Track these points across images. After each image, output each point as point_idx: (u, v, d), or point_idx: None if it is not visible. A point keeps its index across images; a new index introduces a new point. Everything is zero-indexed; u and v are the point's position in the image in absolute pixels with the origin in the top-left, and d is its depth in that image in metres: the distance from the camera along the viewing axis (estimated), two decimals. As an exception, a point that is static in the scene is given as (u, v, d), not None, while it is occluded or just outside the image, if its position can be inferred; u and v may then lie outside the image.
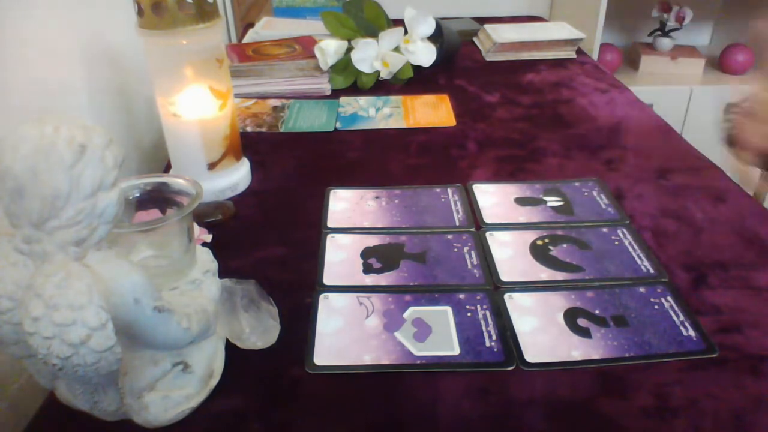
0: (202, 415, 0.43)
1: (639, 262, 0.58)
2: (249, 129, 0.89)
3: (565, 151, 0.82)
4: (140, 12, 0.60)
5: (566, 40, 1.21)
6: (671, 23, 1.86)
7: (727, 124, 0.84)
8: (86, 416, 0.42)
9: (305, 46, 1.08)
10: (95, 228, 0.34)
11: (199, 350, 0.43)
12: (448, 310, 0.53)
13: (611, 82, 1.07)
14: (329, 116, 0.93)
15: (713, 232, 0.63)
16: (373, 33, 1.05)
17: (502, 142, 0.85)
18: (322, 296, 0.55)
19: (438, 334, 0.50)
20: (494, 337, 0.50)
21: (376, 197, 0.70)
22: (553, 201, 0.69)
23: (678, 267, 0.58)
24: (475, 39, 1.33)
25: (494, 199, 0.70)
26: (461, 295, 0.54)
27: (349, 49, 1.04)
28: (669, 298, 0.54)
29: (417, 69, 1.06)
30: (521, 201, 0.69)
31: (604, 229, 0.64)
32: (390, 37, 1.03)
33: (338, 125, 0.90)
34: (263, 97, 1.01)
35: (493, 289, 0.55)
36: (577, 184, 0.73)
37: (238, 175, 0.72)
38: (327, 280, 0.57)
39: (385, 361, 0.48)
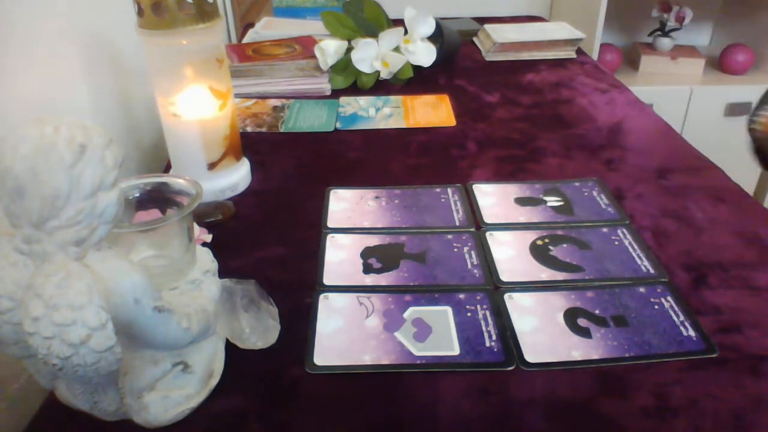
0: (202, 415, 0.43)
1: (639, 262, 0.58)
2: (249, 129, 0.89)
3: (565, 151, 0.82)
4: (140, 12, 0.60)
5: (566, 40, 1.21)
6: (671, 23, 1.86)
7: (756, 132, 0.83)
8: (86, 416, 0.42)
9: (305, 46, 1.08)
10: (95, 228, 0.34)
11: (199, 350, 0.43)
12: (448, 310, 0.53)
13: (611, 82, 1.07)
14: (329, 116, 0.93)
15: (713, 232, 0.63)
16: (373, 33, 1.06)
17: (502, 142, 0.85)
18: (322, 296, 0.55)
19: (438, 334, 0.50)
20: (494, 337, 0.50)
21: (376, 197, 0.70)
22: (553, 201, 0.69)
23: (678, 267, 0.58)
24: (475, 39, 1.33)
25: (494, 199, 0.70)
26: (461, 295, 0.54)
27: (349, 49, 1.04)
28: (669, 298, 0.54)
29: (417, 69, 1.06)
30: (521, 201, 0.69)
31: (604, 229, 0.64)
32: (390, 37, 1.03)
33: (338, 125, 0.90)
34: (263, 97, 1.01)
35: (493, 289, 0.55)
36: (577, 184, 0.73)
37: (238, 175, 0.72)
38: (327, 280, 0.57)
39: (385, 361, 0.48)
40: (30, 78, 0.59)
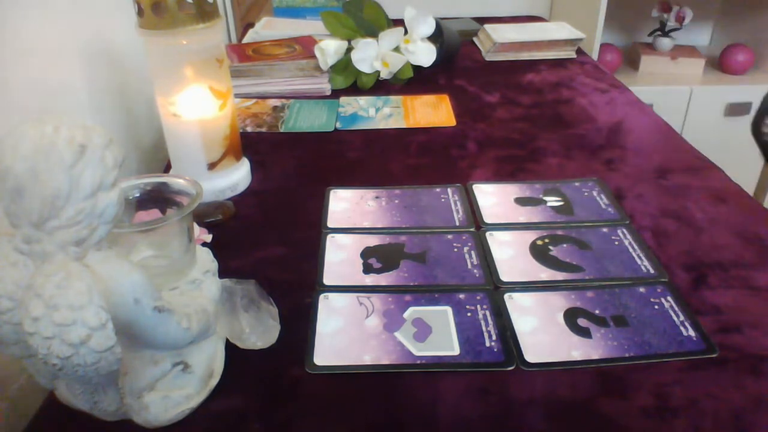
0: (202, 415, 0.43)
1: (639, 262, 0.58)
2: (249, 129, 0.89)
3: (565, 151, 0.82)
4: (140, 12, 0.60)
5: (566, 40, 1.21)
6: (671, 23, 1.86)
7: (765, 136, 0.83)
8: (86, 416, 0.42)
9: (305, 46, 1.08)
10: (95, 228, 0.34)
11: (199, 350, 0.43)
12: (448, 310, 0.53)
13: (611, 82, 1.07)
14: (329, 116, 0.93)
15: (713, 232, 0.63)
16: (373, 33, 1.06)
17: (502, 142, 0.85)
18: (322, 296, 0.55)
19: (438, 334, 0.50)
20: (494, 337, 0.50)
21: (376, 197, 0.70)
22: (553, 201, 0.69)
23: (678, 267, 0.58)
24: (475, 39, 1.33)
25: (494, 199, 0.70)
26: (461, 295, 0.54)
27: (349, 49, 1.04)
28: (669, 298, 0.54)
29: (417, 69, 1.06)
30: (521, 201, 0.69)
31: (604, 229, 0.64)
32: (390, 37, 1.03)
33: (338, 125, 0.90)
34: (263, 97, 1.01)
35: (493, 289, 0.55)
36: (577, 184, 0.73)
37: (238, 175, 0.72)
38: (327, 280, 0.57)
39: (385, 361, 0.48)
40: (30, 78, 0.59)
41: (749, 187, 0.87)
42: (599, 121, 0.91)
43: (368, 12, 1.09)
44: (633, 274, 0.57)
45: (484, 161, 0.79)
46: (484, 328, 0.51)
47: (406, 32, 1.05)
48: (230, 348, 0.47)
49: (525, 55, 1.21)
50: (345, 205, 0.69)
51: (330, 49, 1.02)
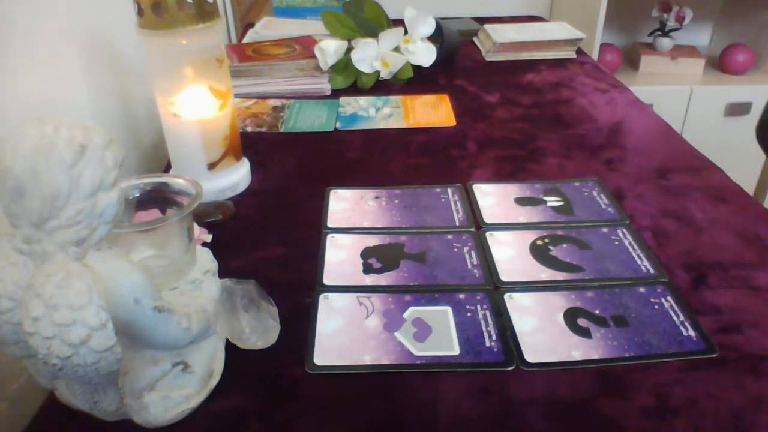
0: (202, 415, 0.43)
1: (639, 262, 0.58)
2: (249, 129, 0.89)
3: (565, 151, 0.82)
4: (140, 12, 0.60)
5: (566, 40, 1.21)
6: (671, 23, 1.86)
7: None
8: (86, 416, 0.42)
9: (305, 46, 1.08)
10: (95, 228, 0.34)
11: (199, 350, 0.43)
12: (448, 310, 0.53)
13: (611, 82, 1.07)
14: (329, 116, 0.93)
15: (713, 232, 0.63)
16: (373, 33, 1.06)
17: (502, 142, 0.85)
18: (322, 296, 0.55)
19: (438, 334, 0.50)
20: (494, 337, 0.50)
21: (376, 197, 0.70)
22: (553, 201, 0.69)
23: (678, 267, 0.58)
24: (475, 39, 1.33)
25: (494, 199, 0.70)
26: (461, 295, 0.54)
27: (349, 49, 1.04)
28: (669, 298, 0.54)
29: (417, 69, 1.06)
30: (521, 201, 0.69)
31: (604, 229, 0.64)
32: (390, 37, 1.03)
33: (338, 125, 0.90)
34: (263, 97, 1.01)
35: (493, 289, 0.55)
36: (577, 184, 0.73)
37: (238, 175, 0.72)
38: (327, 280, 0.57)
39: (385, 361, 0.48)
40: (30, 78, 0.59)
41: (749, 187, 0.87)
42: (599, 121, 0.91)
43: (368, 12, 1.09)
44: (633, 274, 0.57)
45: (484, 161, 0.79)
46: (484, 328, 0.51)
47: (406, 32, 1.05)
48: (230, 348, 0.47)
49: (525, 55, 1.21)
50: (345, 205, 0.69)
51: (330, 49, 1.02)
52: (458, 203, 0.69)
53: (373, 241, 0.62)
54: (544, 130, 0.88)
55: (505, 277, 0.57)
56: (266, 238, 0.64)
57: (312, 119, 0.92)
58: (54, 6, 0.64)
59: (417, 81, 1.06)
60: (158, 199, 0.45)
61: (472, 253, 0.60)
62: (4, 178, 0.32)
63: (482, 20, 1.43)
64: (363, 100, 0.99)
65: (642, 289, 0.55)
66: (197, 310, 0.41)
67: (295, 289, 0.55)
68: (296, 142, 0.86)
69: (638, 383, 0.45)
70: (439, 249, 0.61)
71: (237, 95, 0.99)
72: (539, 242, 0.62)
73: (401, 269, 0.58)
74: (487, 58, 1.22)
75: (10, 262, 0.35)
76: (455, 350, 0.49)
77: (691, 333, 0.50)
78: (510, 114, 0.95)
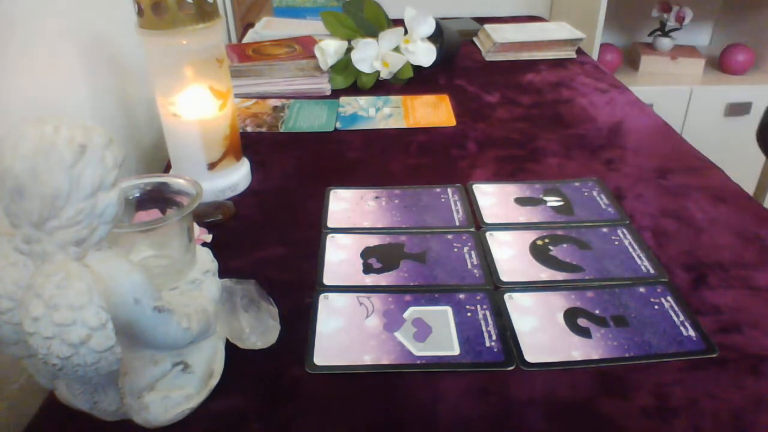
0: (202, 415, 0.43)
1: (639, 262, 0.58)
2: (249, 129, 0.89)
3: (565, 151, 0.82)
4: (140, 12, 0.60)
5: (566, 40, 1.21)
6: (671, 23, 1.86)
7: None
8: (86, 416, 0.42)
9: (305, 46, 1.08)
10: (95, 228, 0.34)
11: (199, 350, 0.43)
12: (448, 310, 0.53)
13: (611, 82, 1.07)
14: (329, 116, 0.93)
15: (713, 232, 0.63)
16: (373, 33, 1.05)
17: (502, 142, 0.85)
18: (322, 296, 0.55)
19: (438, 334, 0.50)
20: (494, 337, 0.50)
21: (376, 197, 0.70)
22: (553, 201, 0.69)
23: (678, 267, 0.58)
24: (475, 39, 1.33)
25: (494, 199, 0.70)
26: (461, 295, 0.54)
27: (349, 49, 1.04)
28: (669, 298, 0.54)
29: (417, 69, 1.06)
30: (521, 201, 0.69)
31: (604, 229, 0.64)
32: (390, 37, 1.03)
33: (338, 125, 0.90)
34: (263, 97, 1.01)
35: (493, 289, 0.55)
36: (577, 184, 0.73)
37: (238, 175, 0.72)
38: (327, 280, 0.57)
39: (385, 361, 0.48)
40: (30, 78, 0.59)
41: (749, 187, 0.87)
42: (599, 121, 0.91)
43: (368, 12, 1.09)
44: (633, 274, 0.57)
45: (484, 161, 0.79)
46: (484, 328, 0.51)
47: (406, 32, 1.05)
48: (230, 348, 0.47)
49: (525, 55, 1.21)
50: (345, 205, 0.69)
51: (330, 49, 1.02)
52: (458, 203, 0.69)
53: (373, 241, 0.62)
54: (544, 130, 0.88)
55: (505, 277, 0.57)
56: (266, 238, 0.64)
57: (312, 119, 0.92)
58: (54, 6, 0.64)
59: (417, 81, 1.06)
60: (158, 199, 0.45)
61: (472, 253, 0.60)
62: (4, 178, 0.32)
63: (482, 20, 1.43)
64: (363, 100, 0.99)
65: (642, 289, 0.55)
66: (197, 310, 0.41)
67: (295, 289, 0.55)
68: (296, 142, 0.86)
69: (638, 383, 0.45)
70: (439, 249, 0.61)
71: (237, 95, 0.99)
72: (539, 242, 0.62)
73: (401, 269, 0.58)
74: (487, 58, 1.22)
75: (10, 262, 0.35)
76: (455, 350, 0.49)
77: (691, 333, 0.50)
78: (510, 114, 0.95)
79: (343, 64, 1.04)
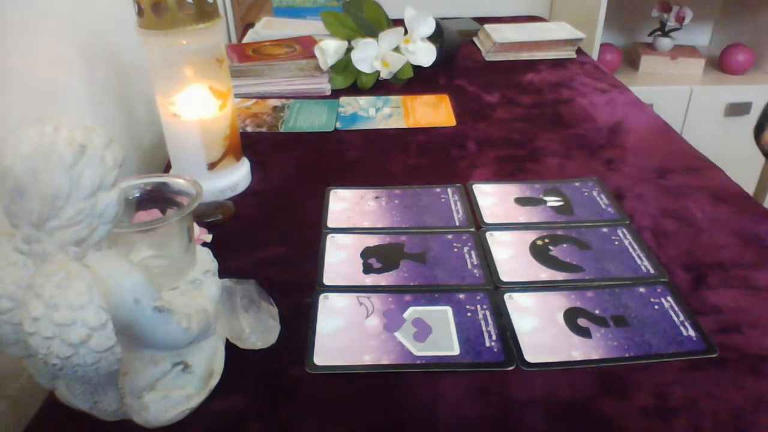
0: (202, 415, 0.43)
1: (639, 262, 0.58)
2: (249, 129, 0.89)
3: (565, 151, 0.82)
4: (140, 12, 0.60)
5: (566, 40, 1.21)
6: (671, 23, 1.86)
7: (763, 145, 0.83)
8: (86, 416, 0.42)
9: (305, 46, 1.08)
10: (95, 228, 0.34)
11: (199, 350, 0.43)
12: (448, 310, 0.53)
13: (611, 82, 1.07)
14: (329, 116, 0.93)
15: (713, 232, 0.63)
16: (373, 33, 1.06)
17: (502, 142, 0.85)
18: (322, 296, 0.55)
19: (438, 334, 0.50)
20: (494, 337, 0.50)
21: (376, 197, 0.70)
22: (553, 201, 0.69)
23: (678, 267, 0.58)
24: (475, 39, 1.33)
25: (494, 199, 0.70)
26: (461, 295, 0.54)
27: (349, 49, 1.04)
28: (669, 298, 0.54)
29: (417, 69, 1.06)
30: (521, 201, 0.69)
31: (604, 229, 0.64)
32: (390, 37, 1.03)
33: (338, 125, 0.90)
34: (263, 97, 1.01)
35: (493, 289, 0.55)
36: (577, 184, 0.73)
37: (238, 175, 0.72)
38: (327, 280, 0.57)
39: (385, 361, 0.48)
40: (30, 78, 0.59)
41: (749, 187, 0.87)
42: (599, 121, 0.91)
43: (368, 12, 1.09)
44: (633, 274, 0.57)
45: (484, 161, 0.79)
46: (484, 328, 0.51)
47: (406, 32, 1.05)
48: (230, 348, 0.47)
49: (525, 55, 1.21)
50: (345, 205, 0.69)
51: (330, 49, 1.02)
52: (458, 203, 0.69)
53: (373, 241, 0.62)
54: (544, 130, 0.88)
55: (505, 277, 0.57)
56: (266, 238, 0.64)
57: (312, 119, 0.92)
58: (54, 6, 0.64)
59: (417, 81, 1.06)
60: (158, 199, 0.45)
61: (472, 253, 0.60)
62: (4, 178, 0.32)
63: (482, 20, 1.43)
64: (363, 100, 0.99)
65: (642, 289, 0.55)
66: (197, 310, 0.41)
67: (295, 289, 0.55)
68: (296, 142, 0.86)
69: (638, 383, 0.45)
70: (439, 249, 0.61)
71: (237, 95, 0.99)
72: (539, 242, 0.62)
73: (401, 269, 0.58)
74: (487, 58, 1.22)
75: (10, 262, 0.35)
76: (455, 350, 0.49)
77: (691, 333, 0.50)
78: (510, 114, 0.95)
79: (343, 64, 1.04)
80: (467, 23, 1.40)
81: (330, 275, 0.57)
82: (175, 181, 0.45)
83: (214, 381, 0.45)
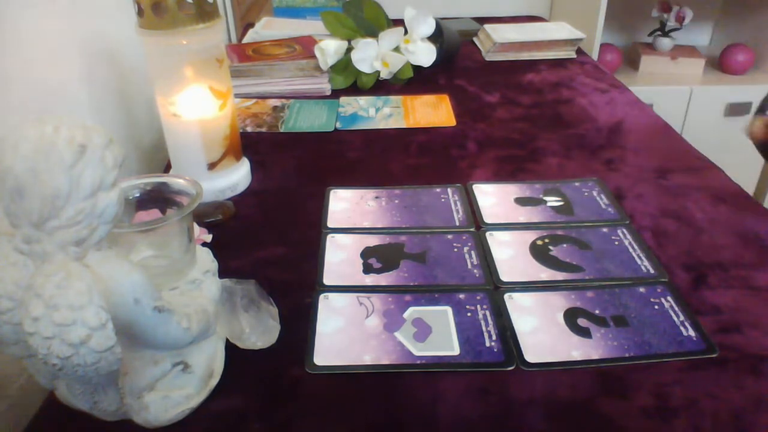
0: (202, 415, 0.43)
1: (639, 262, 0.58)
2: (249, 129, 0.89)
3: (565, 151, 0.82)
4: (140, 12, 0.60)
5: (566, 40, 1.21)
6: (671, 23, 1.86)
7: (752, 137, 0.84)
8: (86, 416, 0.42)
9: (305, 46, 1.08)
10: (95, 228, 0.34)
11: (199, 350, 0.43)
12: (448, 310, 0.53)
13: (611, 82, 1.07)
14: (329, 116, 0.93)
15: (713, 232, 0.63)
16: (373, 33, 1.06)
17: (502, 142, 0.85)
18: (322, 296, 0.55)
19: (438, 334, 0.50)
20: (494, 337, 0.50)
21: (376, 197, 0.70)
22: (553, 201, 0.69)
23: (678, 267, 0.58)
24: (475, 39, 1.33)
25: (494, 199, 0.70)
26: (461, 295, 0.54)
27: (349, 49, 1.04)
28: (669, 298, 0.54)
29: (417, 69, 1.06)
30: (521, 201, 0.69)
31: (604, 229, 0.64)
32: (390, 37, 1.03)
33: (338, 125, 0.90)
34: (263, 97, 1.01)
35: (493, 289, 0.55)
36: (577, 184, 0.73)
37: (238, 175, 0.72)
38: (327, 280, 0.57)
39: (385, 361, 0.48)
40: (30, 78, 0.59)
41: (749, 187, 0.87)
42: (599, 121, 0.91)
43: (368, 12, 1.09)
44: (633, 274, 0.57)
45: (484, 161, 0.79)
46: (484, 328, 0.51)
47: (406, 32, 1.05)
48: (230, 348, 0.47)
49: (525, 55, 1.21)
50: (345, 205, 0.69)
51: (330, 49, 1.02)
52: (458, 203, 0.69)
53: (373, 241, 0.62)
54: (544, 130, 0.88)
55: (505, 277, 0.57)
56: (266, 238, 0.64)
57: (312, 119, 0.92)
58: (54, 6, 0.64)
59: (417, 81, 1.06)
60: (158, 199, 0.45)
61: (472, 253, 0.60)
62: (4, 178, 0.32)
63: (482, 20, 1.43)
64: (363, 100, 0.99)
65: (642, 289, 0.55)
66: (197, 310, 0.41)
67: (295, 289, 0.55)
68: (296, 142, 0.86)
69: (638, 383, 0.45)
70: (439, 249, 0.61)
71: (237, 95, 0.99)
72: (539, 242, 0.62)
73: (401, 269, 0.58)
74: (487, 58, 1.22)
75: (10, 262, 0.35)
76: (455, 350, 0.49)
77: (691, 333, 0.50)
78: (510, 114, 0.95)
79: (343, 64, 1.04)
80: (467, 23, 1.40)
81: (330, 275, 0.57)
82: (175, 181, 0.45)
83: (214, 381, 0.45)
